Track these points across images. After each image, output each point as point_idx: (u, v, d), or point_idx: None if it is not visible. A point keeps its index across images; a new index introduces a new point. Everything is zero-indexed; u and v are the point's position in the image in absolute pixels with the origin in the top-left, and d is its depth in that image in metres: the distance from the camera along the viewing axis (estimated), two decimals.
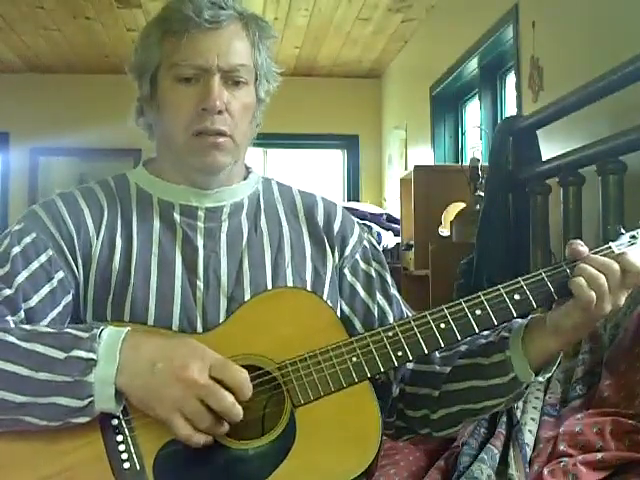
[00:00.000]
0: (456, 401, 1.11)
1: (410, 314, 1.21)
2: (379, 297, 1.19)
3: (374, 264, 1.22)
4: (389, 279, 1.22)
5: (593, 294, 0.98)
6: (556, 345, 1.04)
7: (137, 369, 0.95)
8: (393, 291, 1.22)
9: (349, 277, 1.19)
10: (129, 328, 0.99)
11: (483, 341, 1.12)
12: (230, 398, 0.94)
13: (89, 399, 0.93)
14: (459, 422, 1.13)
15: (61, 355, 0.95)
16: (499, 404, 1.09)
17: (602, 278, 0.99)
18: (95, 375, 0.94)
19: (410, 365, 1.16)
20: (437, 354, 1.16)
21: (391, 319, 1.18)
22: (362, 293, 1.19)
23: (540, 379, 1.06)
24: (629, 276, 1.00)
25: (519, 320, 1.09)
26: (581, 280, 0.99)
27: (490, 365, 1.08)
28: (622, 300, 1.01)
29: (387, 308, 1.19)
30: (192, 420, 0.94)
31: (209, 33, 1.09)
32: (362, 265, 1.21)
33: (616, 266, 1.00)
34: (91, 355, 0.95)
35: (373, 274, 1.21)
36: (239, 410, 0.95)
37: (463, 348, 1.14)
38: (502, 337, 1.09)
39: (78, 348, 0.95)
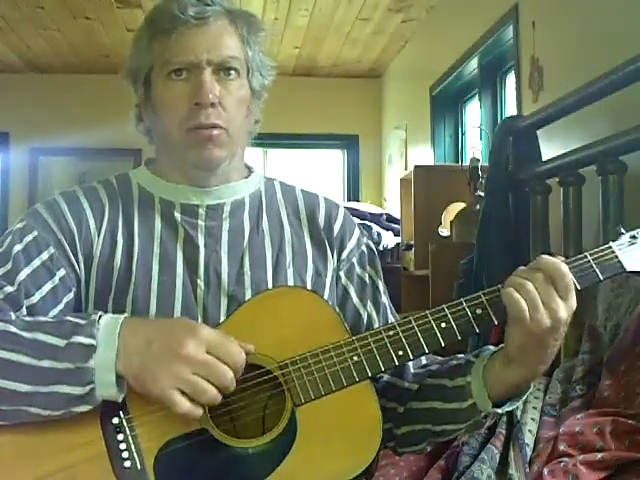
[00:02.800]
0: (418, 420, 1.11)
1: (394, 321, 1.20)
2: (369, 304, 1.20)
3: (369, 269, 1.22)
4: (381, 286, 1.23)
5: (523, 302, 0.95)
6: (514, 376, 1.01)
7: (134, 350, 0.95)
8: (383, 299, 1.22)
9: (343, 280, 1.20)
10: (127, 314, 1.00)
11: (454, 362, 1.12)
12: (229, 372, 0.94)
13: (90, 385, 0.94)
14: (422, 441, 1.12)
15: (62, 342, 0.95)
16: (458, 429, 1.08)
17: (529, 284, 0.96)
18: (95, 360, 0.94)
19: (385, 377, 1.16)
20: (411, 370, 1.16)
21: (376, 325, 1.18)
22: (354, 298, 1.19)
23: (499, 411, 1.04)
24: (557, 282, 0.96)
25: (491, 347, 1.08)
26: (510, 289, 0.96)
27: (452, 388, 1.07)
28: (563, 312, 0.96)
29: (374, 315, 1.20)
30: (192, 394, 0.93)
31: (197, 29, 1.10)
32: (357, 270, 1.21)
33: (540, 273, 0.97)
34: (91, 341, 0.95)
35: (367, 280, 1.21)
36: (234, 384, 0.95)
37: (434, 367, 1.14)
38: (468, 361, 1.08)
39: (78, 334, 0.95)
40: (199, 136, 1.10)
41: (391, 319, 1.21)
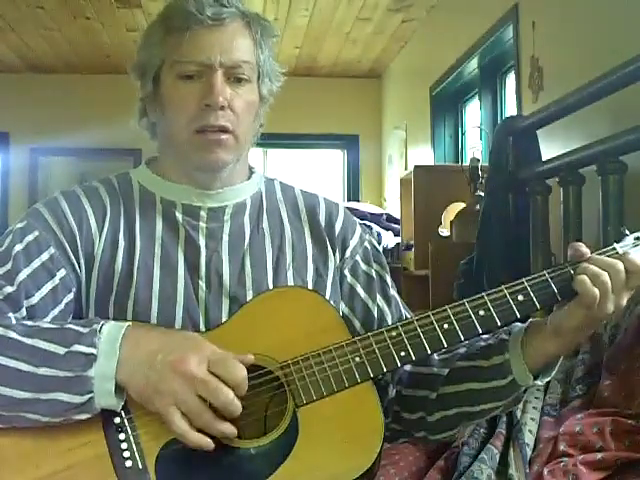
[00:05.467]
0: (454, 403, 1.10)
1: (409, 315, 1.21)
2: (379, 298, 1.19)
3: (375, 265, 1.22)
4: (389, 280, 1.22)
5: (597, 291, 0.97)
6: (555, 348, 1.03)
7: (136, 363, 0.95)
8: (392, 292, 1.22)
9: (349, 278, 1.19)
10: (129, 323, 0.99)
11: (482, 344, 1.11)
12: (230, 394, 0.94)
13: (89, 395, 0.94)
14: (455, 425, 1.12)
15: (62, 350, 0.95)
16: (497, 407, 1.08)
17: (605, 275, 0.98)
18: (95, 370, 0.94)
19: (408, 367, 1.16)
20: (436, 356, 1.15)
21: (390, 320, 1.18)
22: (362, 294, 1.19)
23: (539, 383, 1.05)
24: (632, 277, 0.99)
25: (519, 324, 1.08)
26: (585, 278, 0.98)
27: (489, 367, 1.07)
28: (624, 301, 1.00)
29: (386, 309, 1.19)
30: (189, 416, 0.93)
31: (212, 30, 1.09)
32: (363, 266, 1.21)
33: (620, 265, 0.99)
34: (91, 350, 0.95)
35: (374, 275, 1.21)
36: (238, 406, 0.95)
37: (462, 350, 1.14)
38: (501, 340, 1.08)
39: (79, 343, 0.95)
40: (206, 139, 1.10)
41: (405, 313, 1.21)
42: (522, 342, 1.05)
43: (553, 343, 1.03)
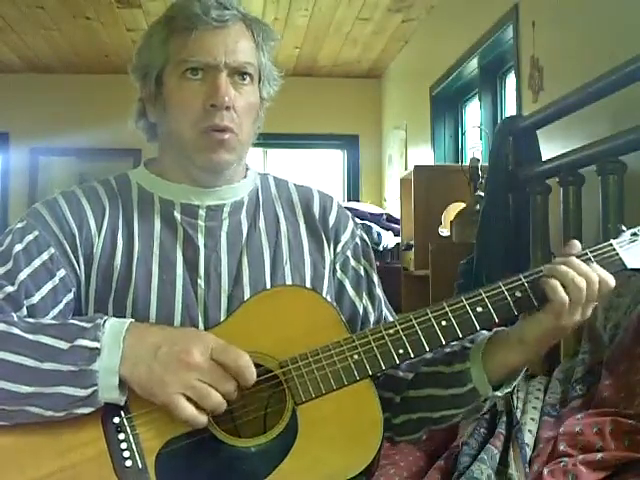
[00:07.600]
0: (416, 408, 1.12)
1: (389, 314, 1.23)
2: (365, 297, 1.21)
3: (363, 262, 1.23)
4: (375, 278, 1.24)
5: (566, 298, 0.98)
6: (516, 358, 1.04)
7: (140, 356, 0.96)
8: (377, 291, 1.23)
9: (339, 274, 1.21)
10: (132, 319, 1.00)
11: (448, 350, 1.13)
12: (232, 381, 0.96)
13: (93, 388, 0.94)
14: (419, 429, 1.14)
15: (65, 345, 0.95)
16: (457, 415, 1.10)
17: (584, 283, 0.99)
18: (99, 364, 0.94)
19: None
20: None
21: (372, 319, 1.20)
22: (350, 291, 1.20)
23: (498, 394, 1.06)
24: (603, 291, 1.00)
25: (484, 332, 1.09)
26: (557, 283, 0.99)
27: (450, 374, 1.08)
28: (589, 312, 1.01)
29: (370, 308, 1.21)
30: (197, 399, 0.94)
31: (216, 31, 1.10)
32: (352, 262, 1.22)
33: (596, 277, 1.00)
34: (95, 344, 0.95)
35: (362, 273, 1.22)
36: (235, 394, 0.96)
37: (428, 356, 1.15)
38: (464, 347, 1.10)
39: (82, 337, 0.96)
40: (211, 139, 1.10)
41: (385, 312, 1.22)
42: (484, 352, 1.06)
43: (514, 353, 1.04)
